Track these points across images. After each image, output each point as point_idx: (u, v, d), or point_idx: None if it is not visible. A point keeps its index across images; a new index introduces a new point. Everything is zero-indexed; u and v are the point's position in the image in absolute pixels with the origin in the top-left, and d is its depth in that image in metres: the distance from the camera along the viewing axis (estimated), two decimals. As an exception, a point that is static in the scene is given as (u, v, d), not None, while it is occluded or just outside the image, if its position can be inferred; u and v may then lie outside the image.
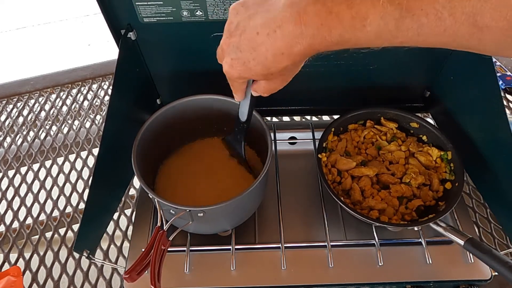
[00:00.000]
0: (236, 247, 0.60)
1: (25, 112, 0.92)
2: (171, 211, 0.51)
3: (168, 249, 0.60)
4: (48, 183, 0.78)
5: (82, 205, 0.75)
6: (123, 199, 0.73)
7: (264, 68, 0.37)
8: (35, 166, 0.81)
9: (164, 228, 0.51)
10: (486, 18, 0.27)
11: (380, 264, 0.58)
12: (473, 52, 0.32)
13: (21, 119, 0.90)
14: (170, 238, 0.51)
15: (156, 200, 0.52)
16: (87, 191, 0.74)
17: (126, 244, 0.68)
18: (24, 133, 0.87)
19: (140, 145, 0.57)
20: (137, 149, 0.56)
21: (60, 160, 0.82)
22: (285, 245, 0.60)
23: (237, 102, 0.52)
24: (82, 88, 0.96)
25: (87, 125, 0.88)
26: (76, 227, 0.71)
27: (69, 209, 0.74)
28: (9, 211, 0.74)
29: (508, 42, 0.28)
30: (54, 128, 0.88)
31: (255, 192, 0.53)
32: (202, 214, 0.51)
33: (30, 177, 0.79)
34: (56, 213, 0.74)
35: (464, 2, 0.27)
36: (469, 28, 0.28)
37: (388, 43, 0.32)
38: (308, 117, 0.82)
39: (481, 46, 0.30)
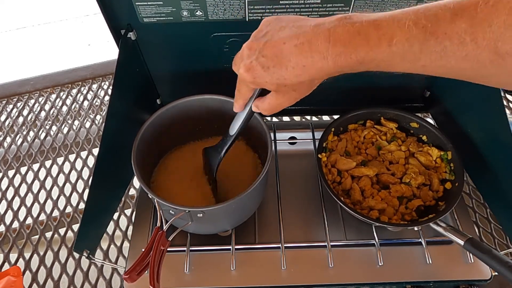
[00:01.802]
0: (236, 247, 0.60)
1: (25, 112, 0.92)
2: (170, 211, 0.51)
3: (168, 249, 0.60)
4: (48, 183, 0.78)
5: (82, 205, 0.75)
6: (123, 199, 0.73)
7: (280, 77, 0.37)
8: (35, 166, 0.81)
9: (164, 228, 0.51)
10: (507, 45, 0.27)
11: (380, 264, 0.58)
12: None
13: (21, 119, 0.90)
14: (170, 239, 0.51)
15: (155, 200, 0.52)
16: (87, 191, 0.74)
17: (126, 244, 0.68)
18: (24, 133, 0.87)
19: (139, 145, 0.57)
20: (137, 149, 0.56)
21: (60, 160, 0.82)
22: (285, 245, 0.60)
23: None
24: (82, 88, 0.96)
25: (87, 125, 0.88)
26: (76, 227, 0.71)
27: (69, 209, 0.74)
28: (9, 211, 0.74)
29: None
30: (54, 128, 0.88)
31: (254, 192, 0.53)
32: (201, 214, 0.51)
33: (30, 177, 0.79)
34: (56, 213, 0.74)
35: (486, 29, 0.28)
36: (490, 55, 0.28)
37: (410, 65, 0.33)
38: (308, 117, 0.82)
39: (500, 75, 0.30)
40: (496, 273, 0.56)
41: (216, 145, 0.57)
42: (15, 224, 0.73)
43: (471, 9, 0.28)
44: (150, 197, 0.51)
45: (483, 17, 0.28)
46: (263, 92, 0.44)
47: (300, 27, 0.36)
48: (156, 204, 0.52)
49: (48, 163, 0.81)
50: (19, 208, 0.74)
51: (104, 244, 0.68)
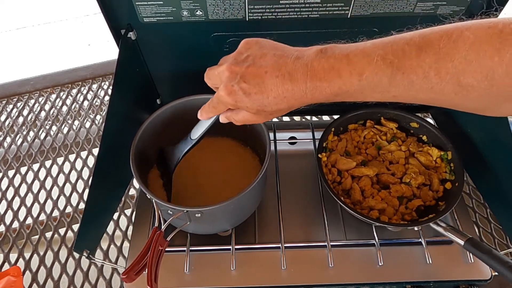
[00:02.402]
0: (236, 247, 0.60)
1: (25, 112, 0.92)
2: (168, 211, 0.51)
3: (168, 249, 0.60)
4: (48, 183, 0.78)
5: (82, 205, 0.75)
6: (123, 199, 0.73)
7: (261, 104, 0.39)
8: (35, 166, 0.81)
9: (162, 228, 0.51)
10: (468, 78, 0.29)
11: (380, 264, 0.58)
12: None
13: (21, 119, 0.90)
14: (168, 238, 0.51)
15: (154, 200, 0.52)
16: (87, 191, 0.74)
17: (126, 244, 0.68)
18: (24, 133, 0.87)
19: (139, 145, 0.57)
20: (136, 149, 0.56)
21: (60, 160, 0.82)
22: (285, 245, 0.60)
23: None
24: (82, 88, 0.96)
25: (87, 125, 0.88)
26: (76, 227, 0.71)
27: (69, 209, 0.74)
28: (9, 211, 0.74)
29: (491, 101, 0.31)
30: (54, 128, 0.88)
31: (253, 192, 0.53)
32: (199, 214, 0.51)
33: (30, 177, 0.79)
34: (56, 213, 0.73)
35: (448, 64, 0.30)
36: (454, 87, 0.30)
37: (382, 96, 0.35)
38: (308, 117, 0.82)
39: (467, 104, 0.32)
40: (496, 273, 0.56)
41: (175, 146, 0.57)
42: (15, 224, 0.73)
43: (434, 44, 0.30)
44: (149, 197, 0.51)
45: (446, 51, 0.30)
46: None
47: (281, 57, 0.38)
48: (154, 204, 0.52)
49: (48, 163, 0.81)
50: (19, 208, 0.74)
51: (104, 244, 0.68)
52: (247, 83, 0.39)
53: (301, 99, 0.38)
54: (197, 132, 0.53)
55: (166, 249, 0.59)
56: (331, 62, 0.35)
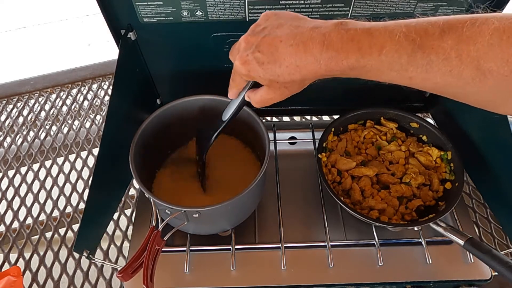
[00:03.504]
0: (236, 247, 0.60)
1: (25, 112, 0.92)
2: (166, 211, 0.51)
3: (168, 249, 0.60)
4: (48, 183, 0.78)
5: (82, 205, 0.75)
6: (123, 199, 0.73)
7: (273, 74, 0.39)
8: (35, 166, 0.81)
9: (159, 228, 0.51)
10: (489, 63, 0.29)
11: (380, 264, 0.58)
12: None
13: (21, 119, 0.90)
14: (165, 238, 0.51)
15: (151, 199, 0.52)
16: (87, 191, 0.74)
17: (126, 244, 0.68)
18: (24, 133, 0.87)
19: (138, 145, 0.57)
20: (136, 149, 0.56)
21: (60, 160, 0.82)
22: (285, 245, 0.60)
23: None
24: (82, 88, 0.96)
25: (87, 125, 0.88)
26: (76, 227, 0.71)
27: (69, 209, 0.74)
28: (9, 211, 0.74)
29: (504, 93, 0.31)
30: (54, 128, 0.88)
31: (252, 193, 0.53)
32: (197, 215, 0.51)
33: (30, 177, 0.79)
34: (56, 213, 0.73)
35: (470, 47, 0.29)
36: (473, 71, 0.30)
37: (398, 75, 0.34)
38: (308, 117, 0.82)
39: (479, 94, 0.32)
40: (496, 273, 0.56)
41: (208, 128, 0.57)
42: (15, 224, 0.73)
43: (458, 28, 0.30)
44: (147, 196, 0.51)
45: (469, 35, 0.30)
46: (256, 84, 0.45)
47: (297, 27, 0.38)
48: (152, 204, 0.52)
49: (48, 163, 0.81)
50: (19, 208, 0.74)
51: (104, 244, 0.68)
52: (261, 53, 0.38)
53: (315, 69, 0.37)
54: (228, 113, 0.53)
55: (167, 249, 0.60)
56: (351, 33, 0.34)
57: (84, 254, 0.52)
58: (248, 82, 0.46)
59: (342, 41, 0.35)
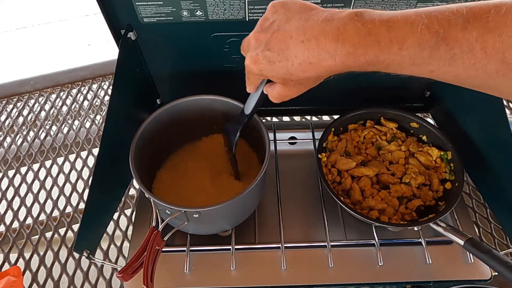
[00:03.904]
0: (236, 247, 0.60)
1: (25, 112, 0.92)
2: (166, 211, 0.51)
3: (168, 249, 0.60)
4: (48, 183, 0.78)
5: (82, 205, 0.75)
6: (123, 199, 0.73)
7: (286, 72, 0.37)
8: (35, 166, 0.81)
9: (159, 228, 0.51)
10: None
11: (380, 264, 0.58)
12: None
13: (21, 119, 0.90)
14: (165, 238, 0.51)
15: (152, 200, 0.52)
16: (87, 191, 0.74)
17: (126, 244, 0.68)
18: (24, 133, 0.87)
19: (138, 145, 0.57)
20: (136, 149, 0.56)
21: (60, 160, 0.82)
22: (285, 245, 0.60)
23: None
24: (82, 88, 0.96)
25: (87, 125, 0.88)
26: (76, 227, 0.71)
27: (69, 209, 0.74)
28: (9, 211, 0.74)
29: None
30: (54, 128, 0.88)
31: (252, 193, 0.53)
32: (197, 215, 0.51)
33: (30, 177, 0.79)
34: (56, 213, 0.73)
35: (495, 38, 0.28)
36: (497, 64, 0.29)
37: (419, 70, 0.33)
38: (308, 117, 0.82)
39: (505, 86, 0.31)
40: (496, 273, 0.56)
41: (233, 123, 0.57)
42: (15, 224, 0.73)
43: (482, 17, 0.29)
44: (147, 196, 0.51)
45: (494, 25, 0.28)
46: None
47: (307, 20, 0.35)
48: (152, 204, 0.52)
49: (48, 163, 0.81)
50: (19, 208, 0.74)
51: (104, 244, 0.68)
52: (271, 51, 0.37)
53: (330, 66, 0.34)
54: (250, 106, 0.52)
55: (167, 249, 0.60)
56: (369, 27, 0.32)
57: (84, 254, 0.52)
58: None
59: (359, 36, 0.32)
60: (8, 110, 0.93)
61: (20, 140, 0.86)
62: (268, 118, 0.84)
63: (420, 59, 0.31)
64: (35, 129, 0.88)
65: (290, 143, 0.76)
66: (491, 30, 0.28)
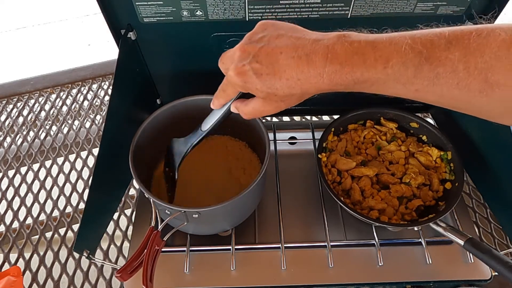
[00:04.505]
0: (236, 247, 0.60)
1: (25, 112, 0.92)
2: (166, 211, 0.51)
3: (168, 249, 0.60)
4: (48, 183, 0.78)
5: (82, 205, 0.75)
6: (123, 199, 0.73)
7: (272, 87, 0.37)
8: (35, 166, 0.81)
9: (159, 228, 0.51)
10: (497, 75, 0.29)
11: (380, 264, 0.58)
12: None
13: (21, 119, 0.90)
14: (165, 238, 0.51)
15: (151, 200, 0.52)
16: (87, 191, 0.74)
17: (126, 244, 0.68)
18: (24, 133, 0.87)
19: (138, 145, 0.57)
20: (135, 149, 0.56)
21: (60, 160, 0.82)
22: (285, 245, 0.60)
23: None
24: (82, 88, 0.96)
25: (87, 125, 0.88)
26: (76, 227, 0.71)
27: (69, 209, 0.74)
28: (9, 211, 0.74)
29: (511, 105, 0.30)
30: (54, 128, 0.88)
31: (252, 193, 0.53)
32: (197, 215, 0.51)
33: (30, 177, 0.79)
34: (56, 213, 0.73)
35: (478, 58, 0.29)
36: (480, 84, 0.30)
37: (404, 88, 0.33)
38: (308, 117, 0.82)
39: (486, 106, 0.32)
40: (496, 273, 0.56)
41: (184, 138, 0.55)
42: (15, 224, 0.73)
43: (464, 39, 0.30)
44: (147, 196, 0.51)
45: (476, 46, 0.29)
46: (245, 94, 0.42)
47: (298, 39, 0.36)
48: (152, 204, 0.52)
49: (48, 163, 0.81)
50: (19, 208, 0.74)
51: (104, 244, 0.68)
52: (259, 63, 0.36)
53: (317, 83, 0.35)
54: (208, 123, 0.50)
55: (167, 249, 0.60)
56: (355, 46, 0.33)
57: (84, 254, 0.52)
58: (238, 93, 0.43)
59: (347, 54, 0.33)
60: (8, 110, 0.93)
61: (20, 140, 0.86)
62: (268, 118, 0.84)
63: (405, 77, 0.32)
64: (35, 129, 0.88)
65: (290, 143, 0.76)
66: (473, 52, 0.29)
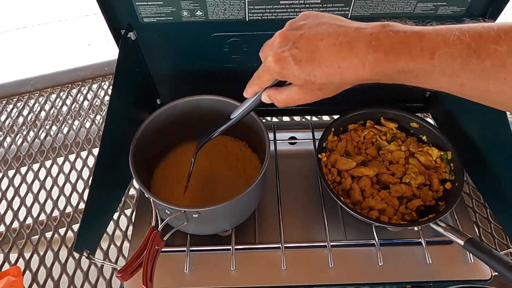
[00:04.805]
0: (236, 247, 0.60)
1: (25, 112, 0.92)
2: (166, 211, 0.51)
3: (168, 249, 0.60)
4: (48, 183, 0.78)
5: (82, 205, 0.75)
6: (123, 199, 0.73)
7: (310, 73, 0.36)
8: (35, 166, 0.81)
9: (159, 228, 0.51)
10: None
11: (380, 264, 0.58)
12: None
13: (21, 119, 0.90)
14: (165, 238, 0.51)
15: (151, 199, 0.52)
16: (87, 191, 0.74)
17: (126, 244, 0.68)
18: (24, 133, 0.87)
19: (138, 144, 0.57)
20: (135, 149, 0.56)
21: (60, 160, 0.82)
22: (285, 245, 0.60)
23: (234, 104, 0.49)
24: (82, 88, 0.96)
25: (87, 125, 0.88)
26: (76, 227, 0.71)
27: (69, 209, 0.74)
28: (9, 211, 0.74)
29: None
30: (54, 128, 0.88)
31: (252, 193, 0.53)
32: (197, 215, 0.51)
33: (30, 177, 0.79)
34: (56, 213, 0.73)
35: None
36: None
37: (449, 81, 0.32)
38: (308, 117, 0.82)
39: None
40: (496, 273, 0.56)
41: (214, 125, 0.54)
42: (15, 224, 0.73)
43: None
44: (147, 196, 0.51)
45: None
46: (278, 83, 0.41)
47: (340, 27, 0.35)
48: (152, 204, 0.52)
49: (48, 163, 0.81)
50: (19, 208, 0.74)
51: (104, 244, 0.68)
52: (299, 49, 0.35)
53: (358, 72, 0.34)
54: (237, 111, 0.49)
55: (167, 249, 0.60)
56: (401, 35, 0.32)
57: (84, 254, 0.52)
58: (274, 81, 0.42)
59: (391, 43, 0.32)
60: (8, 110, 0.92)
61: (20, 140, 0.86)
62: (268, 118, 0.84)
63: (451, 69, 0.31)
64: (35, 129, 0.88)
65: (290, 143, 0.76)
66: None
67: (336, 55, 0.34)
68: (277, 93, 0.42)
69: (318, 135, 0.69)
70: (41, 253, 0.68)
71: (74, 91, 0.95)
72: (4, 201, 0.76)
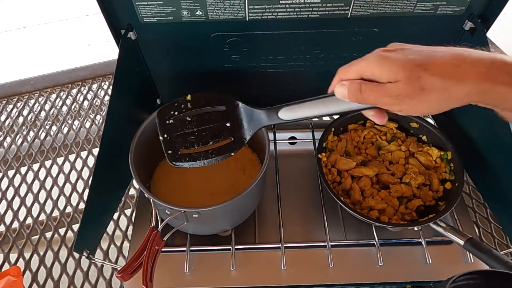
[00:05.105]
0: (236, 247, 0.60)
1: (25, 112, 0.92)
2: (166, 211, 0.51)
3: (168, 249, 0.60)
4: (48, 183, 0.78)
5: (82, 205, 0.75)
6: (123, 199, 0.73)
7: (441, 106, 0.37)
8: (35, 166, 0.81)
9: (159, 228, 0.51)
10: None
11: (380, 264, 0.58)
12: None
13: (21, 119, 0.90)
14: (165, 238, 0.51)
15: (151, 199, 0.52)
16: (87, 191, 0.74)
17: (126, 244, 0.68)
18: (24, 133, 0.87)
19: (138, 145, 0.57)
20: (135, 149, 0.56)
21: (60, 160, 0.82)
22: (285, 245, 0.60)
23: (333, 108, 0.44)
24: (82, 88, 0.96)
25: (87, 125, 0.88)
26: (76, 227, 0.71)
27: (69, 209, 0.74)
28: (9, 211, 0.74)
29: None
30: (54, 128, 0.88)
31: (252, 193, 0.53)
32: (197, 215, 0.51)
33: (30, 177, 0.79)
34: (56, 213, 0.73)
35: None
36: None
37: None
38: (308, 117, 0.82)
39: None
40: (496, 273, 0.56)
41: (265, 111, 0.47)
42: (15, 224, 0.73)
43: None
44: (147, 196, 0.51)
45: None
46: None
47: (450, 49, 0.37)
48: (152, 204, 0.52)
49: (48, 163, 0.81)
50: (19, 208, 0.74)
51: (104, 244, 0.68)
52: (420, 54, 0.35)
53: (475, 89, 0.36)
54: (297, 114, 0.45)
55: (167, 249, 0.60)
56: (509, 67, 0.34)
57: (84, 254, 0.52)
58: None
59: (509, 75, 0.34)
60: (8, 110, 0.92)
61: (20, 140, 0.86)
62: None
63: None
64: (35, 129, 0.88)
65: (290, 143, 0.76)
66: None
67: (460, 69, 0.36)
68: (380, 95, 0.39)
69: (318, 135, 0.69)
70: (41, 253, 0.68)
71: (74, 91, 0.95)
72: (4, 201, 0.76)
